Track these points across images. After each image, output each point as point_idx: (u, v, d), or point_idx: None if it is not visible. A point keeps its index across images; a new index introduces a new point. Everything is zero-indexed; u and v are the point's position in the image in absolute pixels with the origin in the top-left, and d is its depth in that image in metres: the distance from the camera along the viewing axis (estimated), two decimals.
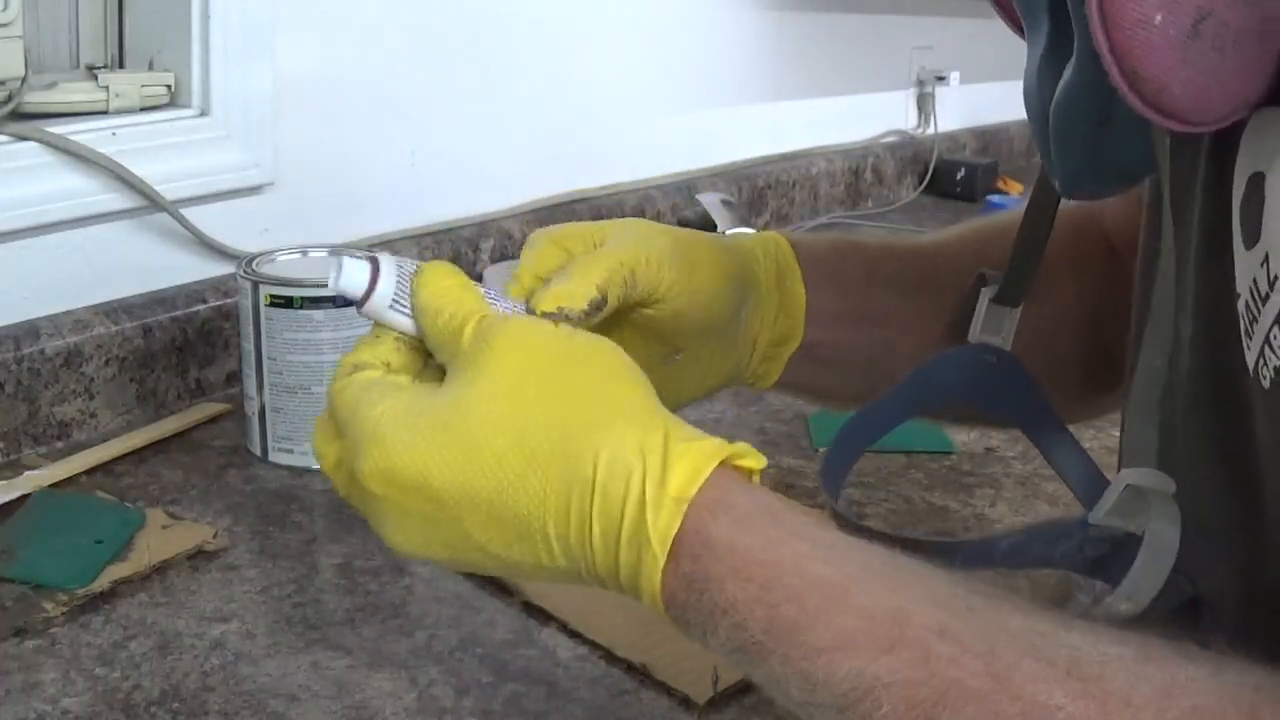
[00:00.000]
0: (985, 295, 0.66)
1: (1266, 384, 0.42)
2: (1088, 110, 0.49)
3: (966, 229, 0.72)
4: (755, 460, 0.46)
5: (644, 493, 0.43)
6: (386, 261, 0.49)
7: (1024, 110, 0.54)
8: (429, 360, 0.51)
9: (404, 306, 0.49)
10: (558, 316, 0.51)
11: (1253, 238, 0.43)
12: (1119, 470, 0.56)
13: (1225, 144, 0.45)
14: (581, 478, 0.44)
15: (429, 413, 0.46)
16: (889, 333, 0.67)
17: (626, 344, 0.51)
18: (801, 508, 0.46)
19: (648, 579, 0.44)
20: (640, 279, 0.56)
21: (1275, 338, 0.41)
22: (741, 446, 0.46)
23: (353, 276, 0.48)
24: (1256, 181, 0.43)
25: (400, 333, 0.50)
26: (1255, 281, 0.42)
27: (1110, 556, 0.54)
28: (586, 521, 0.44)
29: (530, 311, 0.52)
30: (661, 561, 0.43)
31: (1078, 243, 0.70)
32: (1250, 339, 0.43)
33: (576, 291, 0.52)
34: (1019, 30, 0.55)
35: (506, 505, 0.45)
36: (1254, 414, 0.44)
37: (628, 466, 0.44)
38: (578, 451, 0.44)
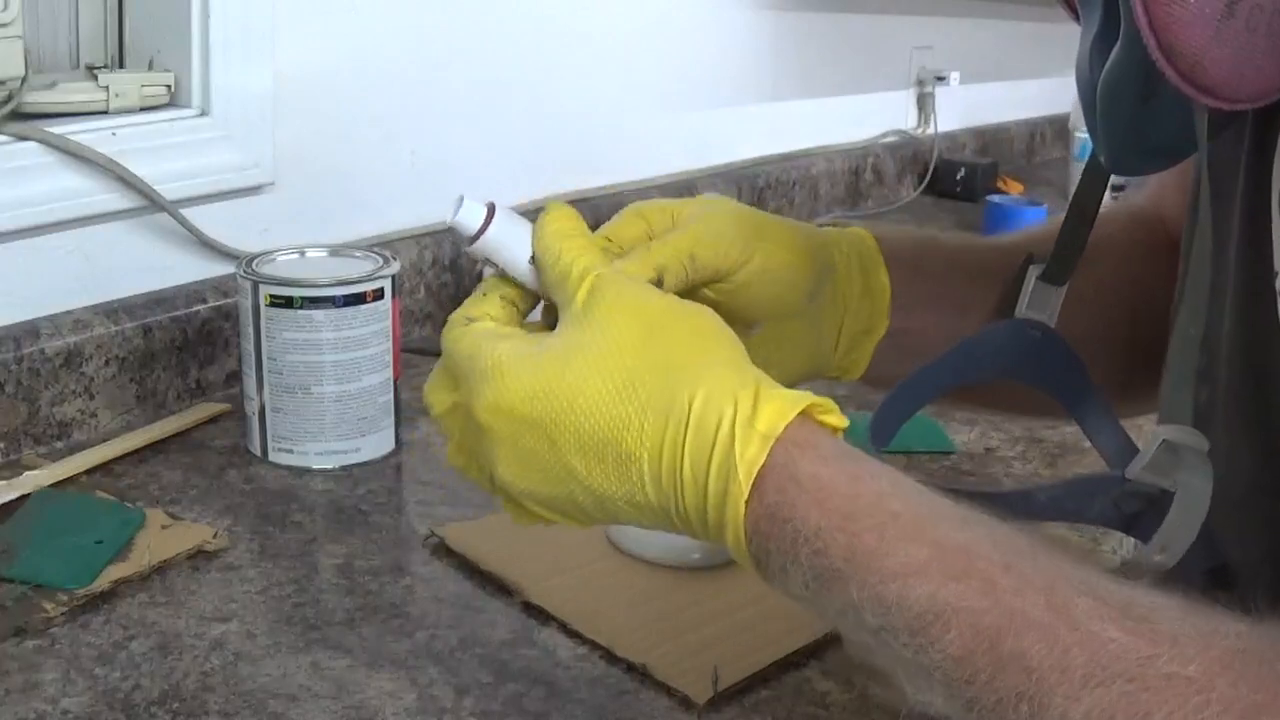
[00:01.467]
0: (1033, 273, 0.68)
1: None
2: (1132, 87, 0.52)
3: (1046, 224, 0.74)
4: (838, 419, 0.49)
5: (734, 428, 0.46)
6: (501, 209, 0.55)
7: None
8: (525, 320, 0.56)
9: (509, 251, 0.54)
10: None
11: None
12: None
13: (1266, 127, 0.47)
14: (678, 413, 0.47)
15: (543, 354, 0.50)
16: (968, 317, 0.69)
17: None
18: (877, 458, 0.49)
19: (733, 509, 0.46)
20: (701, 260, 0.59)
21: None
22: (826, 402, 0.49)
23: (469, 215, 0.54)
24: None
25: (500, 276, 0.55)
26: None
27: (1145, 513, 0.56)
28: (679, 454, 0.47)
29: None
30: (746, 492, 0.46)
31: (1136, 232, 0.73)
32: None
33: (635, 271, 0.55)
34: (1074, 15, 0.57)
35: (607, 437, 0.48)
36: None
37: (720, 405, 0.47)
38: (676, 390, 0.48)
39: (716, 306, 0.60)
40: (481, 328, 0.53)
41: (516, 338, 0.52)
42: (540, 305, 0.56)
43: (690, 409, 0.47)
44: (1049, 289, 0.67)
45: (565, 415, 0.49)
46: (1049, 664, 0.40)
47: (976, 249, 0.72)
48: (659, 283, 0.57)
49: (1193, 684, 0.39)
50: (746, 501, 0.46)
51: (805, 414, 0.48)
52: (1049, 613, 0.41)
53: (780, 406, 0.47)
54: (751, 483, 0.46)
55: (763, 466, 0.46)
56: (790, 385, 0.66)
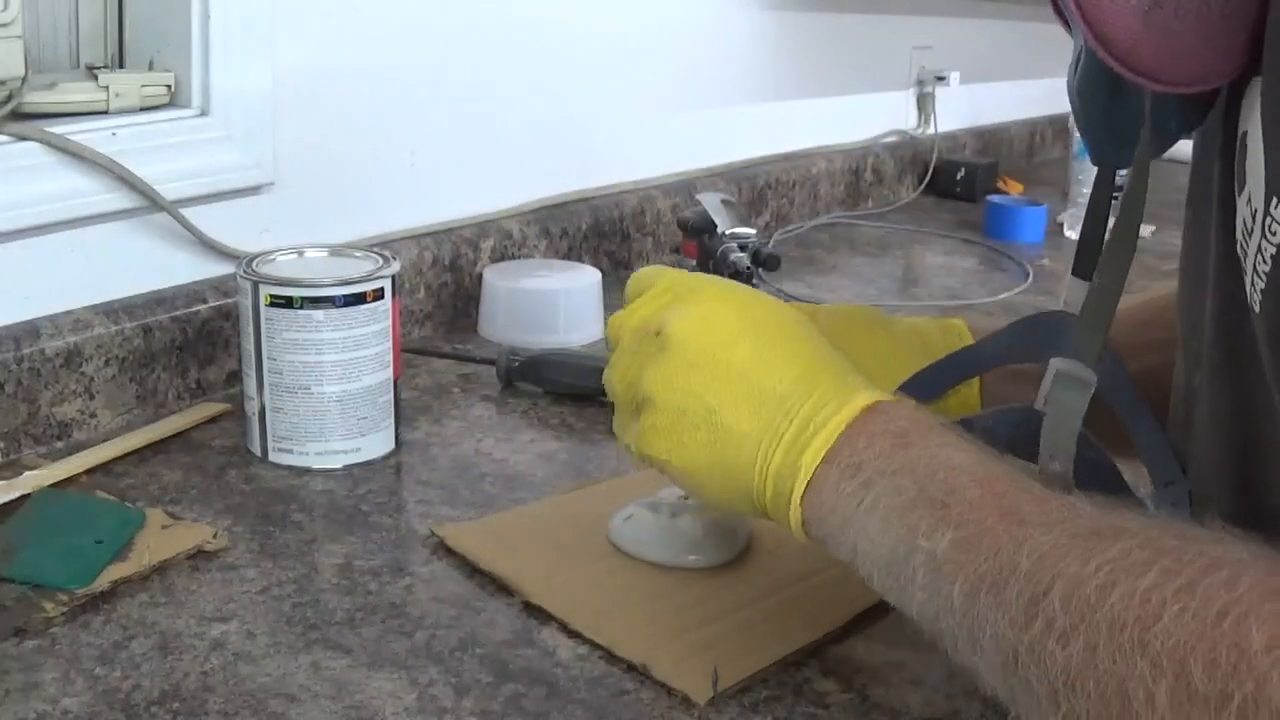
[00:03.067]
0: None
1: (1256, 309, 0.48)
2: (1098, 83, 0.57)
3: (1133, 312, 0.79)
4: None
5: (851, 390, 0.59)
6: None
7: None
8: None
9: None
10: None
11: (1241, 185, 0.49)
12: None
13: (1234, 117, 0.51)
14: (826, 379, 0.60)
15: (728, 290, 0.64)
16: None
17: None
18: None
19: (834, 425, 0.58)
20: None
21: (1258, 266, 0.48)
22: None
23: None
24: (1244, 138, 0.49)
25: None
26: (1244, 221, 0.49)
27: None
28: (806, 396, 0.59)
29: None
30: (856, 412, 0.58)
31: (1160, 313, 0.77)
32: (1245, 274, 0.49)
33: None
34: (1066, 25, 0.60)
35: (750, 370, 0.60)
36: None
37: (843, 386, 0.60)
38: (819, 374, 0.60)
39: None
40: None
41: None
42: None
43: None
44: (1083, 285, 0.70)
45: (735, 328, 0.61)
46: (1034, 517, 0.50)
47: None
48: None
49: (1127, 532, 0.47)
50: (851, 421, 0.57)
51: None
52: (1043, 490, 0.52)
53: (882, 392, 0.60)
54: (862, 407, 0.58)
55: (869, 404, 0.58)
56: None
